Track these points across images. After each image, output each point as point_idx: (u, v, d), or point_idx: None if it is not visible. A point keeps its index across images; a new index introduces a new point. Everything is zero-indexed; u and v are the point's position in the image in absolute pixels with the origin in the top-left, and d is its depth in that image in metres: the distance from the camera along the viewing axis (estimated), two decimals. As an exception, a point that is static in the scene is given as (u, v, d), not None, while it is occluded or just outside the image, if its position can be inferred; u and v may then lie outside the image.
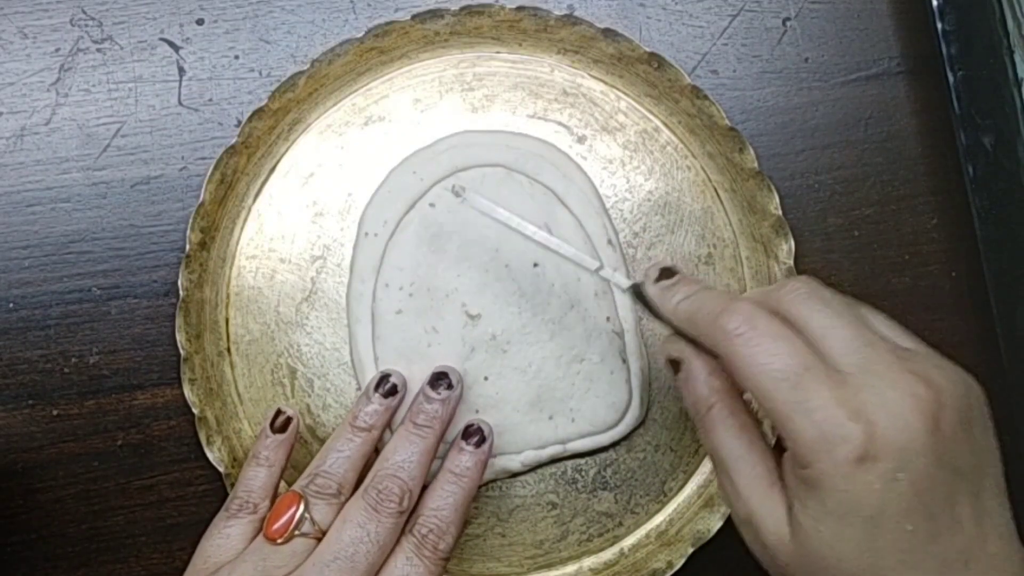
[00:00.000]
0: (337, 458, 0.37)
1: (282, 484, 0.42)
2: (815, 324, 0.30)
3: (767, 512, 0.31)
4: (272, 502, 0.38)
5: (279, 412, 0.40)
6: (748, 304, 0.31)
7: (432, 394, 0.39)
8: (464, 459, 0.39)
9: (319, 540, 0.35)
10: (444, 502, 0.37)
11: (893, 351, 0.30)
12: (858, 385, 0.29)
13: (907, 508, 0.28)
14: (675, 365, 0.34)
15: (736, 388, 0.32)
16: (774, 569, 0.31)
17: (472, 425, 0.40)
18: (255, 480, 0.38)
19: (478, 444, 0.39)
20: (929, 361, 0.30)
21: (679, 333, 0.34)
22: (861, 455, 0.28)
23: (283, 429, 0.40)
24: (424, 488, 0.38)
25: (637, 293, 0.36)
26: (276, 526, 0.36)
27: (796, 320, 0.31)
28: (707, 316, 0.32)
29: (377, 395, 0.39)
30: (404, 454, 0.37)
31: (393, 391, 0.39)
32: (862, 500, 0.28)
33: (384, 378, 0.39)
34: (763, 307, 0.31)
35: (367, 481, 0.37)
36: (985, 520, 0.29)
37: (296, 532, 0.35)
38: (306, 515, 0.36)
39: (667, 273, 0.35)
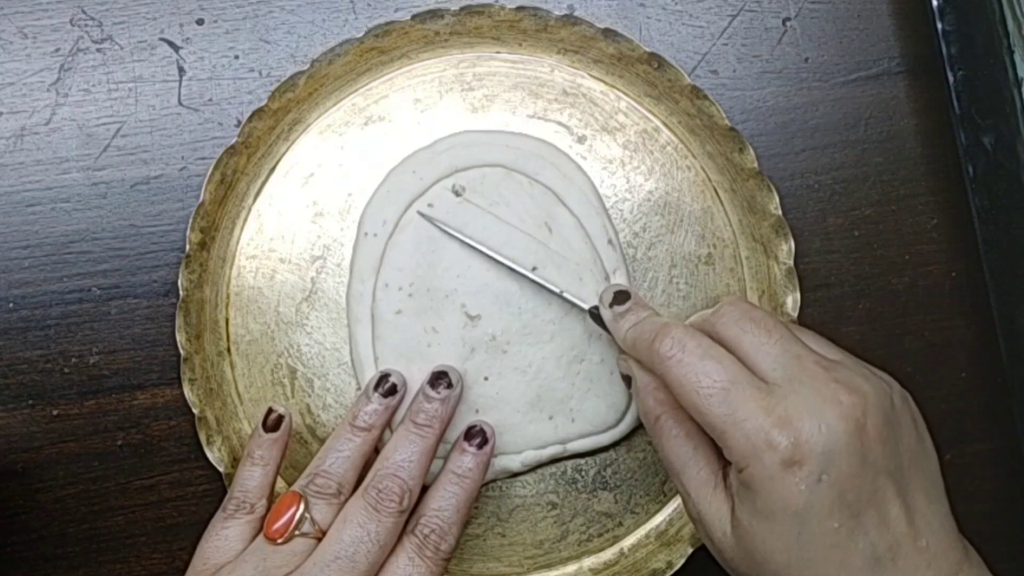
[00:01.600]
0: (337, 458, 0.37)
1: (283, 484, 0.42)
2: (745, 342, 0.33)
3: (713, 511, 0.34)
4: (269, 501, 0.38)
5: (270, 411, 0.40)
6: (679, 329, 0.34)
7: (432, 393, 0.39)
8: (466, 460, 0.39)
9: (319, 540, 0.35)
10: (446, 503, 0.37)
11: (819, 362, 0.32)
12: (784, 395, 0.31)
13: (831, 507, 0.30)
14: (627, 380, 0.39)
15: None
16: (722, 562, 0.34)
17: (475, 427, 0.40)
18: (251, 480, 0.38)
19: (480, 445, 0.39)
20: (854, 370, 0.33)
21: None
22: (787, 460, 0.30)
23: (276, 427, 0.40)
24: (424, 488, 0.38)
25: (594, 316, 0.39)
26: (276, 526, 0.36)
27: (728, 341, 0.34)
28: (645, 341, 0.35)
29: (376, 395, 0.39)
30: (404, 453, 0.37)
31: (392, 391, 0.39)
32: (789, 500, 0.31)
33: (383, 378, 0.39)
34: (696, 330, 0.34)
35: (367, 480, 0.37)
36: (916, 517, 0.31)
37: (296, 532, 0.35)
38: (306, 515, 0.36)
39: (620, 298, 0.38)
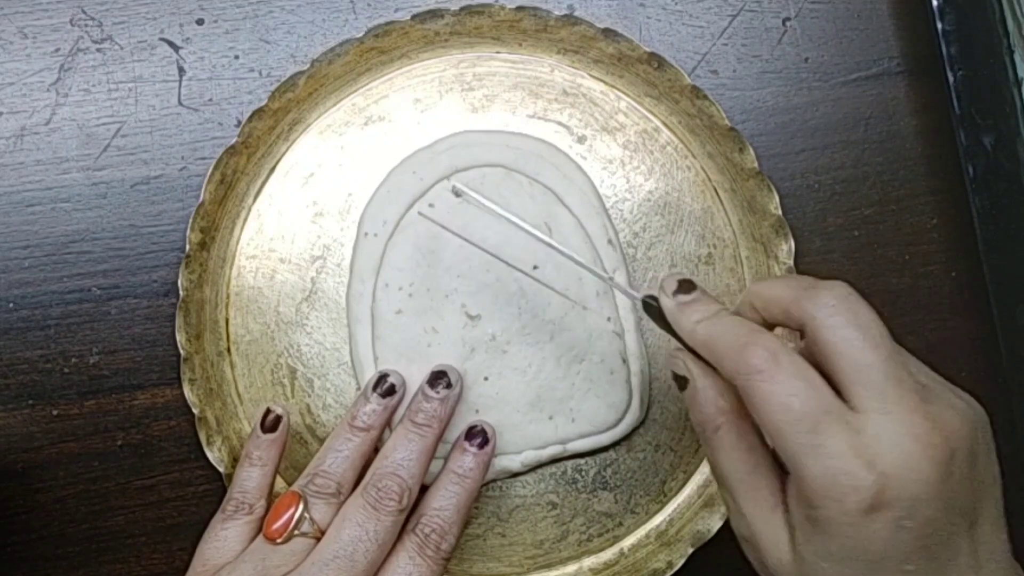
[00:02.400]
0: (336, 458, 0.37)
1: (283, 484, 0.42)
2: (848, 357, 0.29)
3: (769, 534, 0.31)
4: (268, 501, 0.38)
5: (268, 411, 0.40)
6: (772, 339, 0.30)
7: (431, 393, 0.39)
8: (467, 460, 0.39)
9: (319, 540, 0.35)
10: (447, 502, 0.37)
11: (917, 391, 0.29)
12: (875, 432, 0.28)
13: (910, 552, 0.28)
14: (681, 381, 0.34)
15: (744, 409, 0.32)
16: None
17: (475, 426, 0.40)
18: (249, 480, 0.38)
19: (481, 445, 0.39)
20: (946, 400, 0.30)
21: (686, 347, 0.33)
22: (871, 504, 0.28)
23: (273, 428, 0.40)
24: (424, 488, 0.38)
25: (648, 306, 0.35)
26: (275, 526, 0.36)
27: (826, 346, 0.30)
28: (729, 346, 0.31)
29: (375, 395, 0.39)
30: (403, 452, 0.37)
31: (391, 391, 0.39)
32: (867, 546, 0.28)
33: (382, 378, 0.39)
34: (787, 345, 0.30)
35: (366, 479, 0.37)
36: (980, 549, 0.30)
37: (295, 532, 0.35)
38: (305, 515, 0.36)
39: (685, 287, 0.34)
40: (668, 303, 0.34)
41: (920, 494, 0.28)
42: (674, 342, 0.34)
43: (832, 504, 0.28)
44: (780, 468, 0.32)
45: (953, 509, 0.29)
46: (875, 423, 0.29)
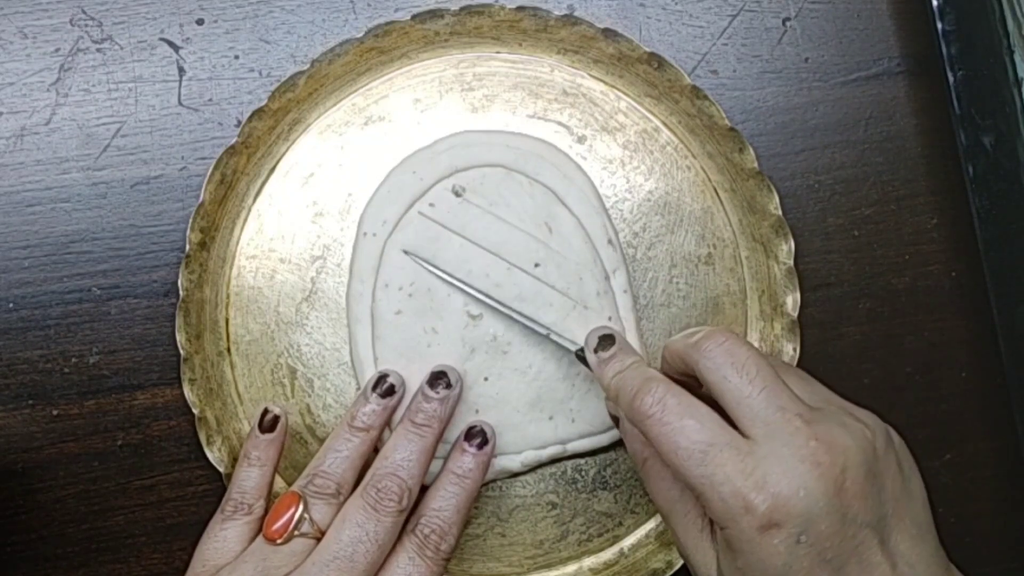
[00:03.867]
0: (336, 458, 0.37)
1: (283, 484, 0.42)
2: (727, 392, 0.33)
3: (700, 555, 0.34)
4: (267, 502, 0.38)
5: (266, 411, 0.40)
6: (661, 385, 0.33)
7: (431, 393, 0.39)
8: (466, 460, 0.39)
9: (319, 540, 0.35)
10: (446, 503, 0.37)
11: (801, 415, 0.32)
12: (763, 455, 0.31)
13: (811, 566, 0.30)
14: (615, 420, 0.39)
15: None
16: None
17: (475, 427, 0.40)
18: (248, 481, 0.38)
19: (480, 446, 0.39)
20: (835, 420, 0.32)
21: None
22: (765, 523, 0.30)
23: (272, 428, 0.40)
24: (423, 488, 0.38)
25: (580, 357, 0.39)
26: (275, 526, 0.36)
27: (709, 384, 0.33)
28: (627, 395, 0.34)
29: (375, 395, 0.39)
30: (403, 453, 0.37)
31: (391, 391, 0.39)
32: (768, 561, 0.30)
33: (381, 378, 0.39)
34: (677, 386, 0.33)
35: (366, 480, 0.37)
36: (899, 562, 0.31)
37: (295, 532, 0.35)
38: (305, 515, 0.36)
39: (605, 343, 0.38)
40: (591, 359, 0.38)
41: (811, 510, 0.30)
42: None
43: (733, 525, 0.31)
44: None
45: (853, 523, 0.31)
46: (762, 447, 0.31)
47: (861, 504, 0.31)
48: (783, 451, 0.31)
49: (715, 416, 0.32)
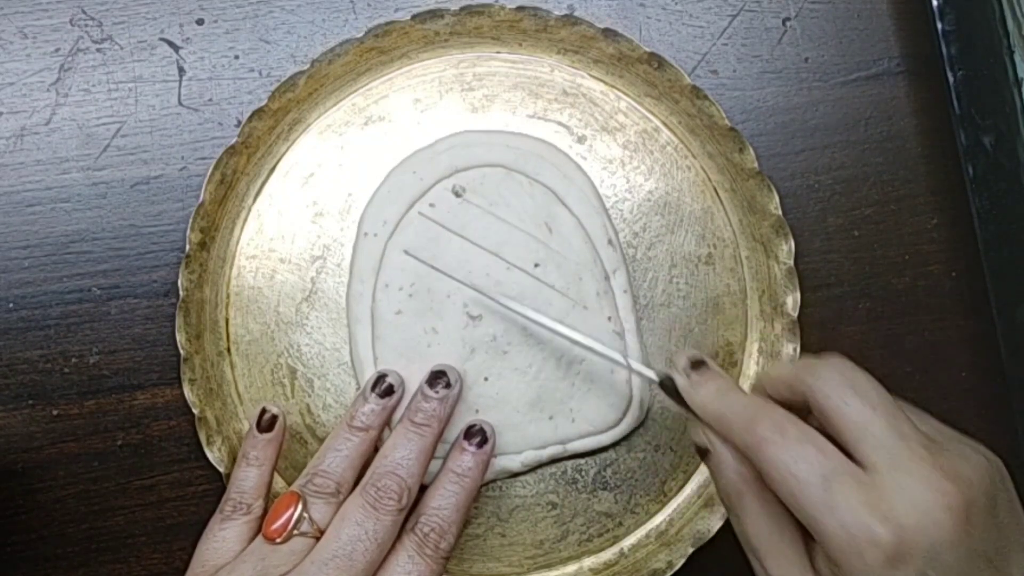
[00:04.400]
0: (335, 457, 0.37)
1: (282, 483, 0.42)
2: (848, 418, 0.31)
3: None
4: (266, 501, 0.38)
5: (264, 411, 0.40)
6: (778, 410, 0.32)
7: (430, 392, 0.39)
8: (466, 459, 0.39)
9: (318, 539, 0.35)
10: (446, 502, 0.37)
11: (924, 444, 0.30)
12: (887, 485, 0.29)
13: None
14: (703, 452, 0.35)
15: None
16: None
17: (474, 426, 0.40)
18: (247, 480, 0.38)
19: (480, 444, 0.39)
20: (956, 452, 0.31)
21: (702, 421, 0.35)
22: (891, 557, 0.28)
23: (270, 428, 0.40)
24: (423, 487, 0.38)
25: (664, 385, 0.37)
26: (275, 526, 0.36)
27: (827, 412, 0.31)
28: (739, 420, 0.32)
29: (374, 395, 0.39)
30: (403, 452, 0.37)
31: (390, 391, 0.39)
32: None
33: (380, 378, 0.39)
34: (794, 416, 0.31)
35: (365, 479, 0.37)
36: None
37: (295, 532, 0.35)
38: (304, 514, 0.36)
39: (697, 364, 0.35)
40: (682, 381, 0.35)
41: (940, 543, 0.29)
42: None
43: (854, 560, 0.29)
44: (804, 531, 0.32)
45: (977, 556, 0.29)
46: (886, 478, 0.29)
47: (984, 536, 0.29)
48: (908, 481, 0.29)
49: (834, 447, 0.31)
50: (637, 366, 0.38)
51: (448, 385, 0.39)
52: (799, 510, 0.30)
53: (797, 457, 0.30)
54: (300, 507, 0.36)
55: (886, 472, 0.30)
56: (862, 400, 0.31)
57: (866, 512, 0.29)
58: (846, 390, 0.31)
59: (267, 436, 0.39)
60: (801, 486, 0.30)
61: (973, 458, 0.31)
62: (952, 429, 0.33)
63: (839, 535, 0.29)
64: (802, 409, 0.32)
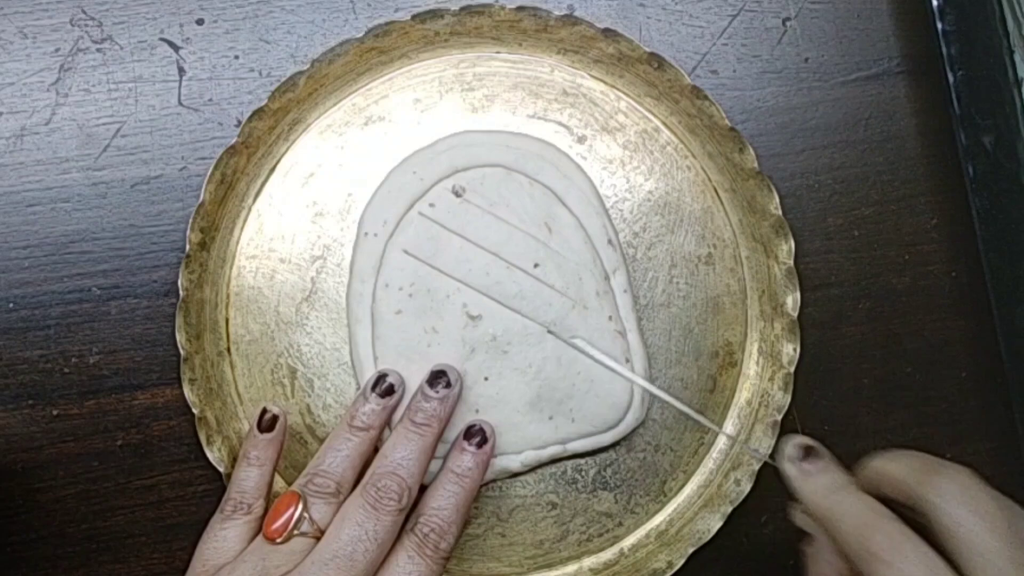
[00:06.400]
0: (336, 457, 0.37)
1: (283, 483, 0.42)
2: (964, 541, 0.29)
3: None
4: (266, 501, 0.38)
5: (265, 411, 0.40)
6: (895, 525, 0.30)
7: (430, 392, 0.39)
8: (466, 459, 0.39)
9: (318, 539, 0.35)
10: (446, 502, 0.37)
11: None
12: None
13: None
14: (801, 533, 0.35)
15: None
16: None
17: (474, 426, 0.40)
18: (247, 480, 0.38)
19: (480, 444, 0.39)
20: None
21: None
22: None
23: (271, 427, 0.40)
24: (422, 487, 0.38)
25: (772, 464, 0.36)
26: (275, 526, 0.36)
27: (946, 531, 0.30)
28: (854, 526, 0.31)
29: (374, 395, 0.39)
30: (403, 452, 0.37)
31: (390, 391, 0.39)
32: None
33: (380, 378, 0.39)
34: (911, 532, 0.30)
35: (366, 479, 0.37)
36: None
37: (295, 531, 0.35)
38: (305, 514, 0.36)
39: (811, 453, 0.34)
40: (791, 470, 0.34)
41: None
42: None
43: None
44: None
45: None
46: None
47: None
48: None
49: (950, 569, 0.29)
50: (746, 445, 0.37)
51: (448, 385, 0.39)
52: None
53: None
54: (300, 507, 0.36)
55: None
56: (986, 525, 0.29)
57: None
58: (971, 513, 0.30)
59: (268, 436, 0.39)
60: None
61: None
62: None
63: None
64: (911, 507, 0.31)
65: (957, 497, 0.30)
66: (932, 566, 0.29)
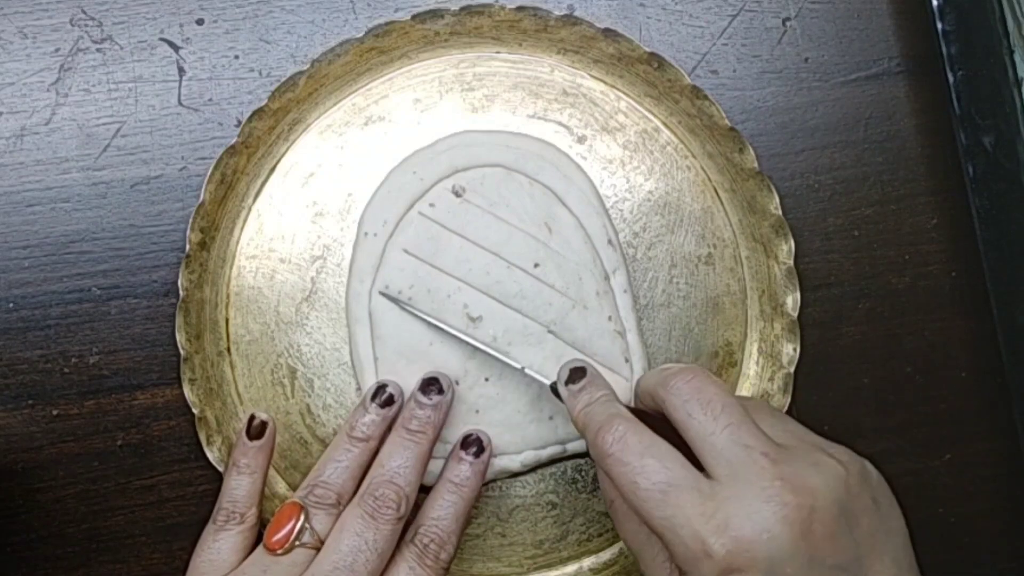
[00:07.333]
0: (336, 468, 0.37)
1: (285, 487, 0.42)
2: (692, 430, 0.32)
3: None
4: (259, 509, 0.38)
5: (253, 417, 0.40)
6: (623, 423, 0.32)
7: (424, 400, 0.39)
8: (463, 469, 0.39)
9: (319, 550, 0.35)
10: (444, 512, 0.37)
11: (767, 454, 0.31)
12: (725, 496, 0.30)
13: None
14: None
15: None
16: None
17: (471, 435, 0.40)
18: (238, 489, 0.38)
19: (477, 454, 0.39)
20: (805, 458, 0.31)
21: None
22: (725, 569, 0.29)
23: (259, 435, 0.40)
24: (423, 488, 0.38)
25: (554, 390, 0.38)
26: (277, 537, 0.36)
27: (676, 423, 0.32)
28: (591, 432, 0.33)
29: (374, 405, 0.39)
30: (399, 460, 0.37)
31: (390, 401, 0.39)
32: None
33: (381, 388, 0.39)
34: (640, 423, 0.32)
35: (363, 489, 0.37)
36: None
37: (296, 543, 0.35)
38: (306, 525, 0.36)
39: (575, 375, 0.37)
40: (563, 392, 0.37)
41: (775, 554, 0.29)
42: None
43: (693, 570, 0.30)
44: None
45: (822, 566, 0.29)
46: (724, 489, 0.30)
47: (831, 545, 0.29)
48: (746, 492, 0.30)
49: (678, 456, 0.31)
50: (530, 371, 0.39)
51: (441, 391, 0.39)
52: (646, 523, 0.31)
53: (636, 470, 0.31)
54: (302, 518, 0.36)
55: (726, 483, 0.30)
56: (705, 411, 0.32)
57: (701, 524, 0.29)
58: (692, 402, 0.32)
59: (257, 443, 0.39)
60: (640, 499, 0.31)
61: (823, 464, 0.31)
62: (816, 435, 0.33)
63: (678, 547, 0.30)
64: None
65: (685, 393, 0.32)
66: (658, 454, 0.31)
